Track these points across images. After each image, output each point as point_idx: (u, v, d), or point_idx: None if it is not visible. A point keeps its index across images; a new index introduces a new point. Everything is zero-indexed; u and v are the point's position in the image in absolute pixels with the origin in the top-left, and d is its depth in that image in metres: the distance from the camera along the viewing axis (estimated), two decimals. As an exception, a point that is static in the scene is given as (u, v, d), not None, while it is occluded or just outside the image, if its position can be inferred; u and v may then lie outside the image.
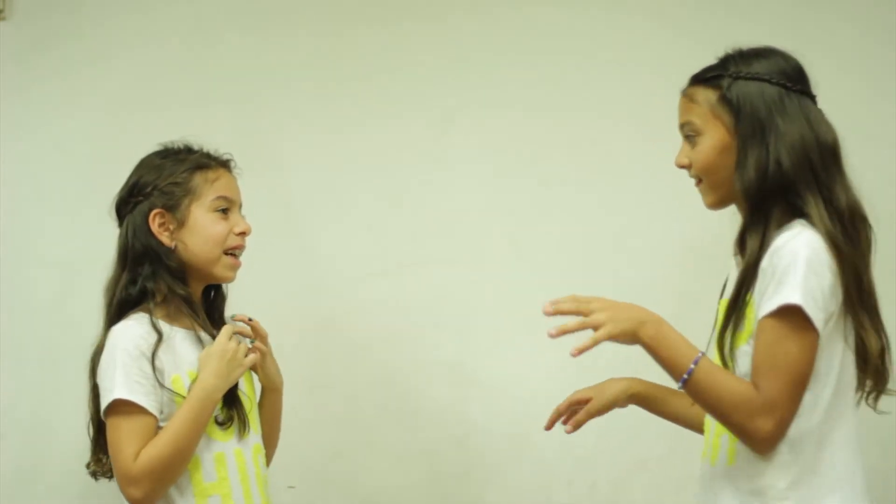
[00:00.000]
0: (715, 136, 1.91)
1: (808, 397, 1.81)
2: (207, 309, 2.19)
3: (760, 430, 1.77)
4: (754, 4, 2.64)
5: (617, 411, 2.60)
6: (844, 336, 1.84)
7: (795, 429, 1.81)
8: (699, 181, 1.97)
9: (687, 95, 1.96)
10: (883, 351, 1.89)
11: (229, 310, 2.24)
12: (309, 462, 2.62)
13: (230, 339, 2.04)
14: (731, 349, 1.87)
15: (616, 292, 2.60)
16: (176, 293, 2.10)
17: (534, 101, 2.69)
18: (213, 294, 2.22)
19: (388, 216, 2.73)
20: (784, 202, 1.86)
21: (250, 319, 2.18)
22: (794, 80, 1.91)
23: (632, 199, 2.56)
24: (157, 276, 2.10)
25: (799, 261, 1.79)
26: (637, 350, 2.60)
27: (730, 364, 1.88)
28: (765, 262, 1.83)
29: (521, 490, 2.64)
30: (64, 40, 2.81)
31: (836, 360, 1.84)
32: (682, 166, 1.97)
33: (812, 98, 1.94)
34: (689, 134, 1.94)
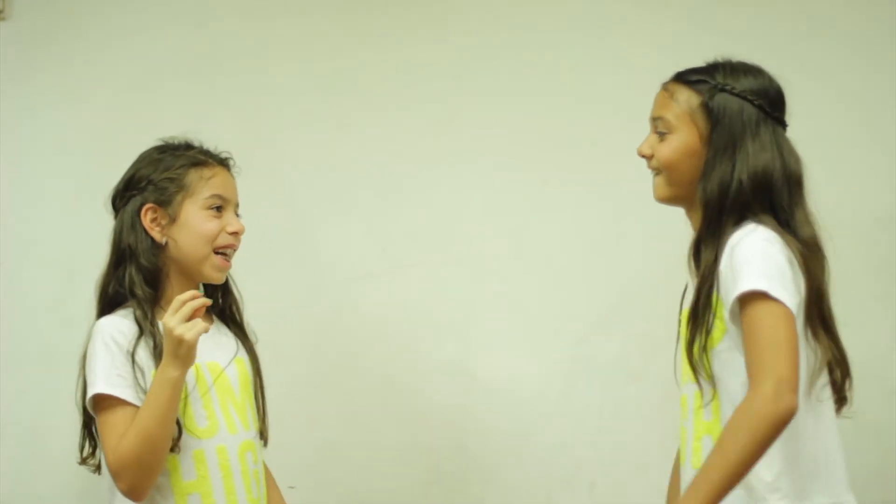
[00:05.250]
0: (686, 137, 1.94)
1: None
2: (219, 310, 2.20)
3: (782, 408, 1.74)
4: (757, 4, 2.64)
5: (615, 412, 2.62)
6: (804, 332, 1.85)
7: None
8: (657, 172, 1.99)
9: (668, 90, 1.98)
10: (843, 375, 1.91)
11: (247, 312, 2.24)
12: (309, 462, 2.62)
13: (173, 314, 1.95)
14: (705, 352, 1.88)
15: (616, 292, 2.63)
16: (134, 293, 2.08)
17: (534, 101, 2.69)
18: (220, 295, 2.21)
19: (388, 216, 2.73)
20: (739, 217, 1.89)
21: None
22: (773, 106, 1.94)
23: (632, 198, 2.55)
24: (130, 275, 2.10)
25: (756, 250, 1.82)
26: (637, 351, 2.61)
27: (705, 369, 1.89)
28: (723, 264, 1.85)
29: (520, 490, 2.64)
30: (63, 41, 2.81)
31: (801, 354, 1.84)
32: (643, 155, 2.00)
33: (784, 127, 1.97)
34: (659, 129, 1.97)
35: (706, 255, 1.90)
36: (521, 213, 2.69)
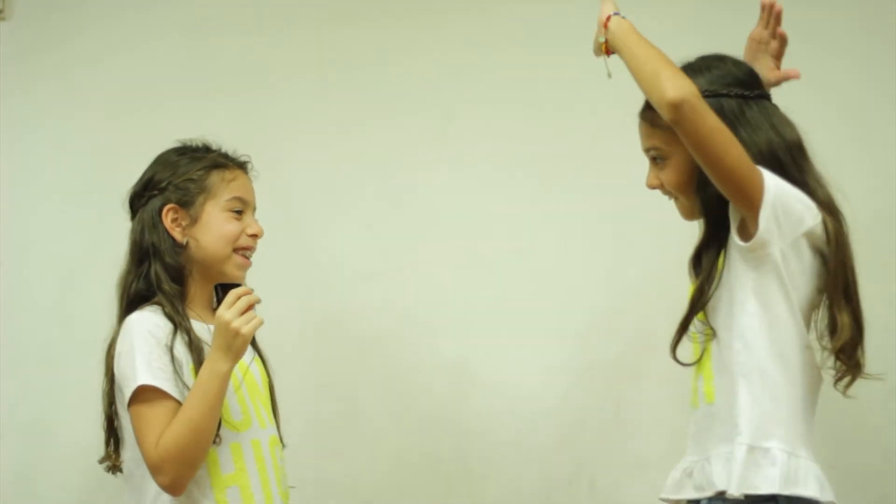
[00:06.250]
0: (682, 156, 1.90)
1: (750, 324, 1.83)
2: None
3: (678, 98, 1.76)
4: (757, 6, 2.63)
5: (615, 412, 2.61)
6: (786, 292, 1.84)
7: (746, 360, 1.84)
8: (674, 197, 1.98)
9: (646, 119, 1.95)
10: (857, 342, 1.91)
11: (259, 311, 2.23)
12: (309, 462, 2.62)
13: (228, 308, 1.96)
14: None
15: (615, 293, 2.63)
16: (162, 289, 2.09)
17: (534, 101, 2.69)
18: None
19: (388, 216, 2.73)
20: None
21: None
22: (749, 86, 1.91)
23: (632, 199, 2.55)
24: (156, 272, 2.10)
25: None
26: (637, 351, 2.61)
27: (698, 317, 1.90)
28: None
29: (520, 490, 2.64)
30: (64, 40, 2.82)
31: (775, 304, 1.84)
32: (653, 188, 1.97)
33: (768, 98, 1.94)
34: (656, 157, 1.94)
35: (706, 262, 1.89)
36: (521, 213, 2.69)
